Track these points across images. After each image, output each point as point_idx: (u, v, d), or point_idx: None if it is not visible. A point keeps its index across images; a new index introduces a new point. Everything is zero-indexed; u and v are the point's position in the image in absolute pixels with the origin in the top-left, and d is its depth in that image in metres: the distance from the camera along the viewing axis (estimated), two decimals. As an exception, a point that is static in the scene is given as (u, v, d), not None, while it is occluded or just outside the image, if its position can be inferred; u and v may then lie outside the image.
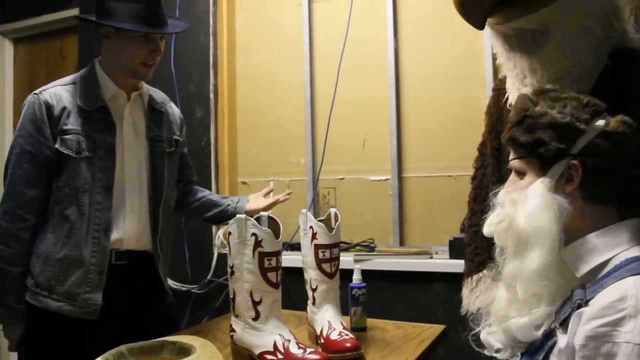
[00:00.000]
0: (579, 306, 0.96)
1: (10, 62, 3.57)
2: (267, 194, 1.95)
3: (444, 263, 2.29)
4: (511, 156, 1.15)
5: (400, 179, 2.56)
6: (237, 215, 1.35)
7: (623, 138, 1.04)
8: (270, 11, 2.85)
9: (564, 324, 0.99)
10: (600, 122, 1.04)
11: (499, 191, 1.16)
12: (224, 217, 1.95)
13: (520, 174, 1.12)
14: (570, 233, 1.05)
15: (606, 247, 1.03)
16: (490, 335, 1.17)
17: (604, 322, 0.90)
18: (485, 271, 1.52)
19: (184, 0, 2.87)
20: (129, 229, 1.70)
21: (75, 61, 3.28)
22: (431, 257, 2.37)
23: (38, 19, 3.37)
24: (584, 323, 0.92)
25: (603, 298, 0.93)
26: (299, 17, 2.76)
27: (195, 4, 2.86)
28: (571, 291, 1.02)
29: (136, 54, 1.64)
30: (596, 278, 1.00)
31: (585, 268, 1.03)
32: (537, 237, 1.04)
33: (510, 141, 1.13)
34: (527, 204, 1.06)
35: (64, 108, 1.63)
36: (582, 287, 1.00)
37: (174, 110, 1.92)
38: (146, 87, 1.79)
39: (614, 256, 1.01)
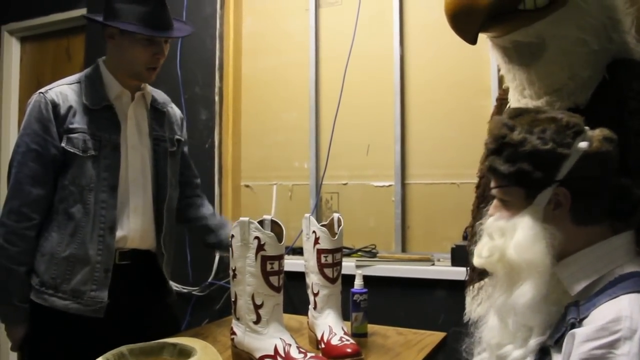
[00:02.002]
0: (573, 325, 0.94)
1: (16, 61, 3.58)
2: None
3: (446, 270, 2.29)
4: (492, 184, 1.11)
5: (404, 185, 2.56)
6: (241, 218, 1.35)
7: (607, 155, 1.02)
8: (277, 16, 2.86)
9: (558, 342, 0.97)
10: (583, 144, 1.01)
11: (484, 222, 1.13)
12: (219, 247, 1.95)
13: (505, 202, 1.09)
14: (564, 256, 1.03)
15: (599, 263, 1.00)
16: None
17: (599, 344, 0.88)
18: (487, 279, 1.52)
19: (191, 2, 2.88)
20: (134, 227, 1.70)
21: (81, 61, 3.29)
22: (433, 264, 2.37)
23: (45, 18, 3.38)
24: (579, 345, 0.90)
25: (597, 318, 0.91)
26: (305, 22, 2.77)
27: (202, 6, 2.87)
28: (565, 308, 1.00)
29: (139, 56, 1.65)
30: (590, 295, 0.98)
31: (578, 286, 1.01)
32: (529, 270, 1.01)
33: (490, 171, 1.09)
34: (516, 235, 1.03)
35: (70, 107, 1.63)
36: (575, 304, 0.98)
37: (175, 111, 1.93)
38: (149, 88, 1.81)
39: (607, 272, 0.99)
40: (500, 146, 1.06)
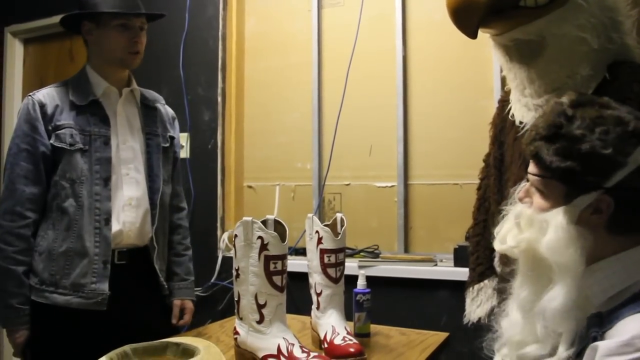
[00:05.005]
0: (595, 339, 0.90)
1: (20, 62, 3.59)
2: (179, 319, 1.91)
3: (449, 271, 2.28)
4: (532, 169, 1.03)
5: (406, 185, 2.56)
6: (244, 218, 1.35)
7: None
8: (280, 17, 2.86)
9: (579, 356, 0.93)
10: None
11: (512, 202, 1.09)
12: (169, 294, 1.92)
13: (539, 191, 1.02)
14: (589, 263, 0.97)
15: (625, 273, 0.94)
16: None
17: None
18: (486, 281, 1.53)
19: (194, 4, 2.89)
20: (129, 221, 1.72)
21: (83, 62, 3.27)
22: (436, 265, 2.37)
23: (48, 19, 3.38)
24: (601, 359, 0.86)
25: (621, 332, 0.87)
26: (308, 23, 2.77)
27: (205, 7, 2.88)
28: (587, 320, 0.96)
29: (117, 42, 1.71)
30: (613, 306, 0.93)
31: (603, 296, 0.95)
32: (561, 273, 0.96)
33: (534, 157, 1.00)
34: (548, 234, 0.97)
35: (57, 105, 1.68)
36: (598, 315, 0.94)
37: (167, 109, 1.96)
38: (136, 86, 1.84)
39: (633, 283, 0.94)
40: (553, 135, 0.97)
